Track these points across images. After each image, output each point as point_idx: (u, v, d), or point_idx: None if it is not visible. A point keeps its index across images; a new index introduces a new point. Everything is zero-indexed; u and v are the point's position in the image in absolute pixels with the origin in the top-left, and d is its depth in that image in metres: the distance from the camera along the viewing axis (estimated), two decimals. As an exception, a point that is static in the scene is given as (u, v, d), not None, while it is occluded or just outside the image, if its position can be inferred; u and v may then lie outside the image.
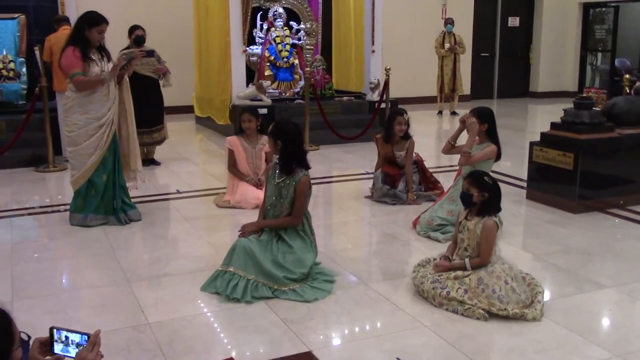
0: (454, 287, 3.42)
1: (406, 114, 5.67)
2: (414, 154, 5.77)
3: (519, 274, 3.53)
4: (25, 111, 7.32)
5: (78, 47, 4.82)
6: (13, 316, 2.11)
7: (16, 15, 8.55)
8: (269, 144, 3.96)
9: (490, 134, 4.75)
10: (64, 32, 6.97)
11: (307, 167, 3.84)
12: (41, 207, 5.74)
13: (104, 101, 4.89)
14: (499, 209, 3.58)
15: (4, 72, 8.14)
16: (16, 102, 8.13)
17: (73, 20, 6.37)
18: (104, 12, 4.97)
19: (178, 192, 6.16)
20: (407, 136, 5.68)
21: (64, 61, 4.83)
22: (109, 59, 5.03)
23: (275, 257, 3.71)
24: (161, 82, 7.33)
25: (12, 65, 8.22)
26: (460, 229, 3.62)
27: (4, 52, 8.24)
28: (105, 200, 5.02)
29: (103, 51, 5.01)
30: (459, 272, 3.48)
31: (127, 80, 5.12)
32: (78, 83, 4.80)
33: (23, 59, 8.41)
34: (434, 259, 3.77)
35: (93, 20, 4.87)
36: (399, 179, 5.68)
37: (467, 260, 3.51)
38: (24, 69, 8.38)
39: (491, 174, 3.90)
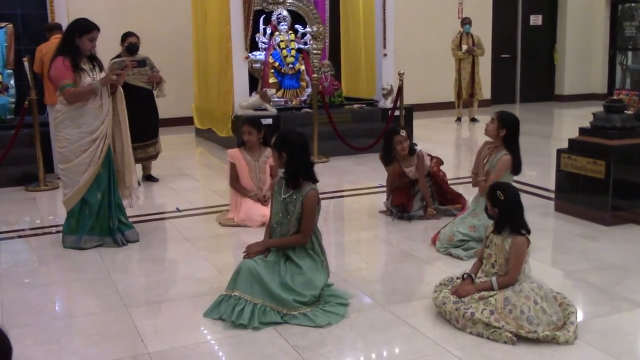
0: (478, 308, 3.40)
1: (403, 130, 5.60)
2: (429, 162, 5.71)
3: (549, 293, 3.50)
4: (14, 126, 7.37)
5: (68, 57, 4.85)
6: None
7: (3, 24, 8.64)
8: (272, 157, 3.96)
9: (507, 142, 4.71)
10: (56, 41, 7.01)
11: (315, 181, 3.83)
12: (32, 228, 5.76)
13: (96, 114, 4.91)
14: (520, 226, 3.52)
15: (-9, 85, 8.23)
16: (4, 117, 8.18)
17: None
18: (96, 19, 5.02)
19: (178, 210, 6.18)
20: (412, 151, 5.61)
21: (53, 72, 4.87)
22: (101, 69, 5.06)
23: (284, 279, 3.70)
24: (155, 92, 7.32)
25: (-1, 77, 8.31)
26: (488, 243, 3.60)
27: (-9, 64, 8.33)
28: (100, 220, 5.04)
29: (94, 60, 5.04)
30: (484, 292, 3.46)
31: (122, 91, 5.15)
32: (69, 95, 4.83)
33: (11, 71, 8.49)
34: (457, 278, 3.74)
35: (84, 28, 4.90)
36: (411, 201, 5.63)
37: (493, 279, 3.48)
38: (12, 81, 8.46)
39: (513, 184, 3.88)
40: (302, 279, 3.71)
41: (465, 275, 3.65)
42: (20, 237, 5.54)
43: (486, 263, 3.60)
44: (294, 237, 3.80)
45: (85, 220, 5.02)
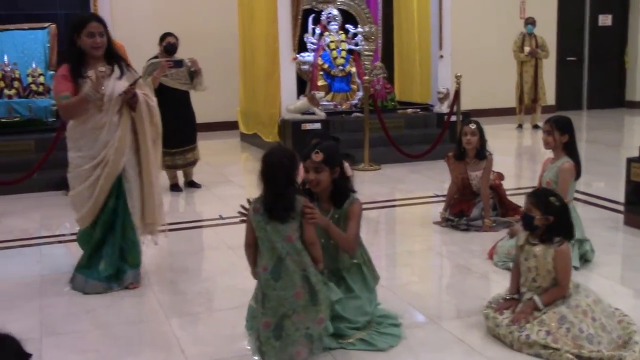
0: (533, 329, 3.32)
1: (474, 123, 5.58)
2: (492, 175, 5.67)
3: (608, 308, 3.44)
4: (56, 129, 7.54)
5: (69, 64, 4.29)
6: (42, 354, 2.17)
7: (46, 24, 8.91)
8: (319, 175, 3.52)
9: (569, 147, 4.67)
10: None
11: (354, 190, 3.70)
12: (72, 234, 5.85)
13: (97, 134, 4.24)
14: (571, 235, 3.51)
15: (33, 87, 8.46)
16: (46, 119, 8.38)
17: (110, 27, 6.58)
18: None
19: (221, 217, 6.25)
20: (481, 155, 5.58)
21: (53, 82, 4.57)
22: (123, 73, 4.34)
23: (333, 307, 3.46)
24: (195, 87, 7.19)
25: (41, 79, 8.54)
26: (525, 255, 3.53)
27: (33, 65, 8.58)
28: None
29: (115, 62, 4.35)
30: (535, 312, 3.40)
31: (149, 106, 4.39)
32: (60, 108, 4.31)
33: (54, 72, 8.73)
34: (502, 298, 3.66)
35: (78, 24, 4.25)
36: (472, 208, 5.61)
37: (536, 298, 3.41)
38: (55, 83, 8.70)
39: (576, 194, 3.82)
40: (354, 304, 3.57)
41: (510, 298, 3.59)
42: (60, 242, 5.68)
43: (526, 278, 3.53)
44: (343, 235, 3.54)
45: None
